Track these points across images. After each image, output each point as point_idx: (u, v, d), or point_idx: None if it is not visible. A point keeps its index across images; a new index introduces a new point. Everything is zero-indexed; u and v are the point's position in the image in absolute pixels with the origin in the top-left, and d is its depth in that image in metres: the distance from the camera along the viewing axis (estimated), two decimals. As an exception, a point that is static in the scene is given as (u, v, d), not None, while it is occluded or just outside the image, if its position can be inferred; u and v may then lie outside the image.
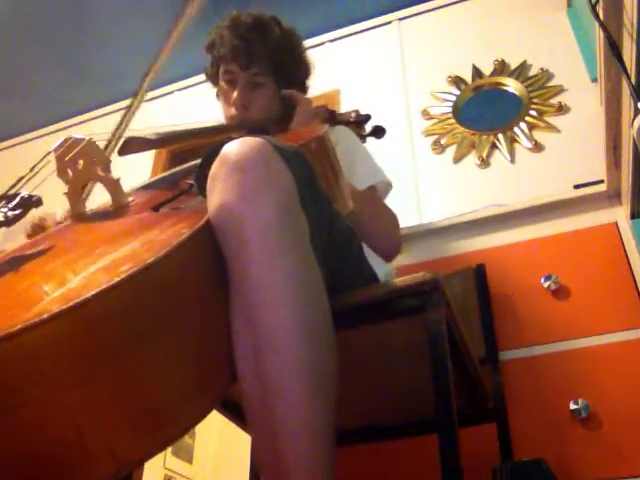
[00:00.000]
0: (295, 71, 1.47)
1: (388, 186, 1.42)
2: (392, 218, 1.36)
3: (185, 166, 1.27)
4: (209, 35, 1.48)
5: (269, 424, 0.66)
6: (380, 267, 1.16)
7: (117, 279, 0.58)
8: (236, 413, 1.19)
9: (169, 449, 2.63)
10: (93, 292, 0.56)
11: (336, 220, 0.94)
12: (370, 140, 1.52)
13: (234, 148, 0.75)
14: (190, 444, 2.70)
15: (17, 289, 0.68)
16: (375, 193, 1.36)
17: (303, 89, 1.50)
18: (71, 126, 2.76)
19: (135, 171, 1.50)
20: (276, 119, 1.38)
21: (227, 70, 1.42)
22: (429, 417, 0.87)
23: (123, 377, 0.59)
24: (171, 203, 0.93)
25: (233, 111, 1.39)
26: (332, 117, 1.43)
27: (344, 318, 0.76)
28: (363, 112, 1.51)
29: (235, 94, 1.38)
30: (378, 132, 1.49)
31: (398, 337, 1.02)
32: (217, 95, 1.54)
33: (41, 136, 2.81)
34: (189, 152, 1.34)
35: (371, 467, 1.38)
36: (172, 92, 2.67)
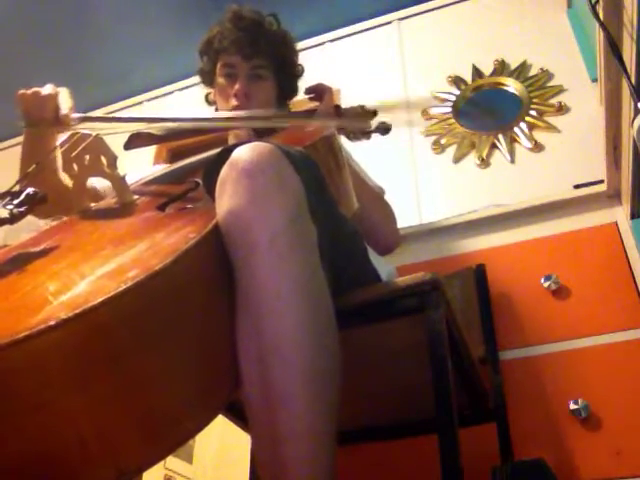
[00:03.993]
0: (294, 68, 1.48)
1: (383, 191, 1.44)
2: (393, 213, 1.40)
3: (189, 161, 1.26)
4: (207, 33, 1.47)
5: (272, 429, 0.66)
6: (383, 269, 1.16)
7: (124, 286, 0.58)
8: (236, 413, 1.19)
9: (169, 449, 2.63)
10: (100, 299, 0.56)
11: (342, 224, 0.94)
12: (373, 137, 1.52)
13: (244, 153, 0.75)
14: (190, 444, 2.70)
15: (22, 290, 0.68)
16: (377, 190, 1.40)
17: (296, 89, 1.51)
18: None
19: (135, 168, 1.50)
20: (286, 115, 1.38)
21: (228, 63, 1.40)
22: (429, 417, 0.87)
23: (127, 384, 0.59)
24: (177, 202, 0.93)
25: (234, 102, 1.36)
26: (338, 112, 1.42)
27: (344, 318, 0.76)
28: (373, 110, 1.51)
29: (237, 85, 1.36)
30: (384, 129, 1.49)
31: (398, 337, 1.02)
32: (206, 97, 1.52)
33: (41, 136, 2.81)
34: (189, 151, 1.33)
35: (371, 467, 1.38)
36: (172, 92, 2.67)
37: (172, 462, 2.57)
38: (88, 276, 0.65)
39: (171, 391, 0.63)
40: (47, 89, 1.15)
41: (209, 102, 1.52)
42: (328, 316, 0.73)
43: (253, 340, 0.68)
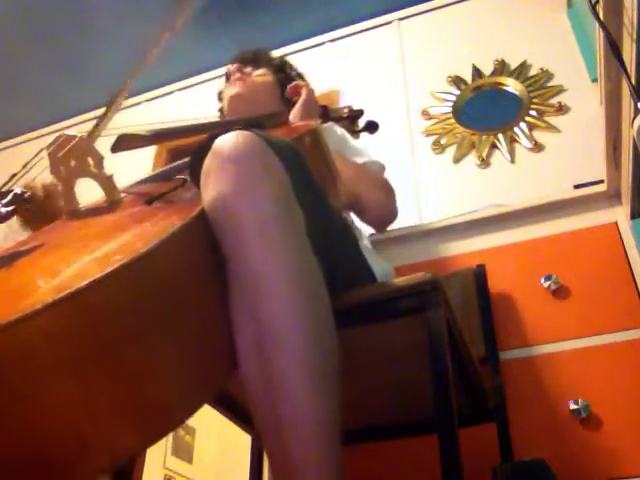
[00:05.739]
0: (289, 70, 1.60)
1: (382, 167, 1.43)
2: (386, 187, 1.37)
3: (179, 162, 1.26)
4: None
5: (274, 418, 0.66)
6: (378, 266, 1.16)
7: (110, 268, 0.58)
8: (236, 413, 1.20)
9: (169, 449, 2.63)
10: (86, 281, 0.56)
11: (331, 216, 0.94)
12: (369, 138, 1.52)
13: (227, 141, 0.75)
14: (190, 444, 2.70)
15: (10, 284, 0.68)
16: (367, 165, 1.39)
17: None
18: (71, 126, 2.76)
19: (136, 169, 1.50)
20: (273, 115, 1.40)
21: (229, 72, 1.53)
22: (429, 417, 0.87)
23: (119, 368, 0.59)
24: (165, 197, 0.93)
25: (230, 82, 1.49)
26: (325, 113, 1.43)
27: (344, 318, 0.76)
28: (359, 109, 1.52)
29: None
30: (371, 127, 1.50)
31: (398, 337, 1.02)
32: (218, 95, 1.60)
33: (41, 136, 2.81)
34: (190, 151, 1.34)
35: (371, 467, 1.38)
36: (172, 92, 2.67)
37: (172, 462, 2.57)
38: (74, 264, 0.65)
39: (164, 374, 0.63)
40: None
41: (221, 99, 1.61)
42: (322, 300, 0.73)
43: (249, 326, 0.68)
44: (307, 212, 0.77)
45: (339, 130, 1.47)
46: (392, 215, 1.36)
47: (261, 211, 0.70)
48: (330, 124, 1.46)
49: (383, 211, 1.34)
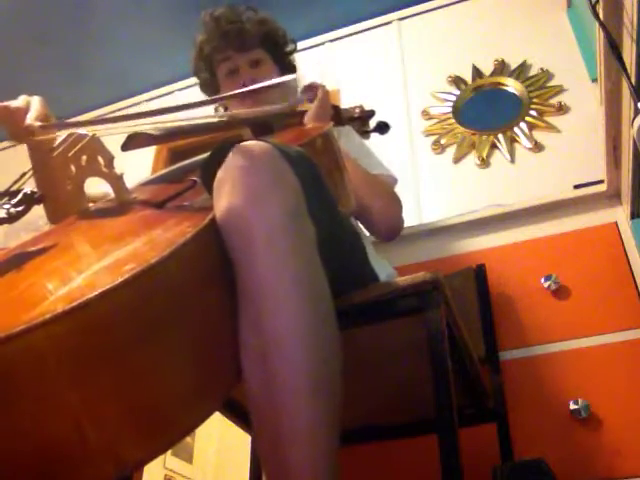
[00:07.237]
0: (285, 44, 1.55)
1: (394, 180, 1.45)
2: (395, 199, 1.39)
3: (189, 162, 1.26)
4: (194, 48, 1.53)
5: (274, 426, 0.66)
6: (383, 271, 1.16)
7: (121, 279, 0.58)
8: (236, 413, 1.19)
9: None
10: (96, 292, 0.56)
11: (340, 222, 0.94)
12: (373, 136, 1.52)
13: (241, 151, 0.76)
14: (190, 444, 2.70)
15: (20, 288, 0.68)
16: (380, 176, 1.41)
17: (294, 64, 1.58)
18: (71, 126, 2.76)
19: (136, 168, 1.49)
20: (284, 115, 1.39)
21: (224, 58, 1.47)
22: (429, 417, 0.87)
23: (126, 378, 0.59)
24: (175, 200, 0.93)
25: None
26: (337, 113, 1.43)
27: (344, 318, 0.75)
28: (371, 110, 1.52)
29: (240, 78, 1.43)
30: (382, 128, 1.50)
31: (398, 337, 1.02)
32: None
33: (41, 136, 2.81)
34: (190, 151, 1.34)
35: (371, 467, 1.38)
36: (172, 92, 2.67)
37: (172, 462, 2.57)
38: (85, 271, 0.66)
39: (171, 384, 0.63)
40: (16, 102, 1.12)
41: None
42: (328, 312, 0.73)
43: (254, 336, 0.68)
44: (318, 223, 0.77)
45: (357, 138, 1.47)
46: (400, 227, 1.39)
47: (270, 222, 0.70)
48: (348, 129, 1.46)
49: (392, 223, 1.37)
